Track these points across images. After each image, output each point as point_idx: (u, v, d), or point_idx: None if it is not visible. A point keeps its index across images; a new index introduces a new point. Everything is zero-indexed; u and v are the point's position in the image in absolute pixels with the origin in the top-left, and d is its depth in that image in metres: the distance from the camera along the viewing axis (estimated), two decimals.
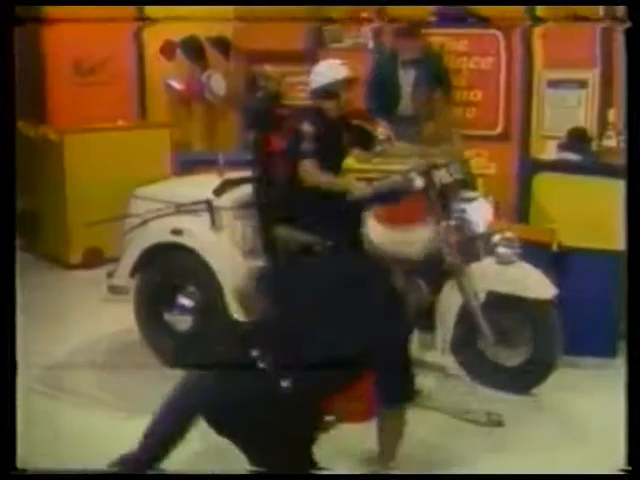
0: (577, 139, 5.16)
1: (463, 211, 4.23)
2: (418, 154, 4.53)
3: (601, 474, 3.03)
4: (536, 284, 4.08)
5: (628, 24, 3.05)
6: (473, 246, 4.26)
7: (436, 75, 5.70)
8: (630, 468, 2.71)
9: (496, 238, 4.16)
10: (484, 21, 5.86)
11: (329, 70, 4.45)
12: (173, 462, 3.07)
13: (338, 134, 4.54)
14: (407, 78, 5.53)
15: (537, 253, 4.29)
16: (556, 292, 4.05)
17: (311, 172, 4.31)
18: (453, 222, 4.17)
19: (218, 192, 4.51)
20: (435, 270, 4.20)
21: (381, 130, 5.01)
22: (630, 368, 2.89)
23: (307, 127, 4.34)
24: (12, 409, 2.79)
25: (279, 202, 4.49)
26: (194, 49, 6.70)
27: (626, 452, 2.76)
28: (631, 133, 3.12)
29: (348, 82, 4.43)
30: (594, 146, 5.12)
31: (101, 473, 3.17)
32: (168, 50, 6.84)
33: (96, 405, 4.12)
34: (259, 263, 4.46)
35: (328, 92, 4.40)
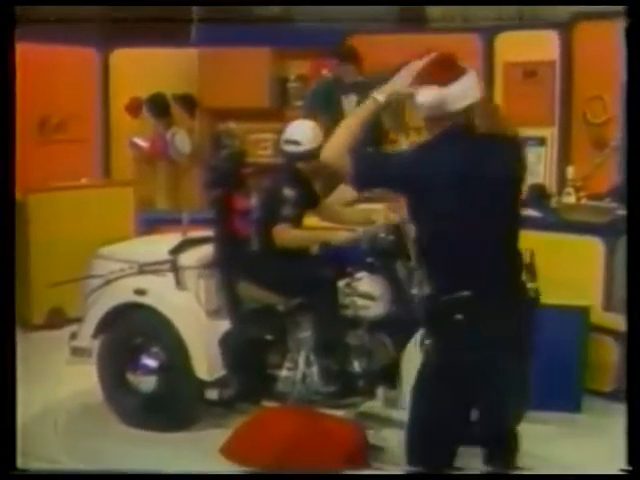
0: (537, 195, 5.30)
1: None
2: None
3: (601, 474, 3.08)
4: None
5: (628, 23, 3.12)
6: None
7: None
8: (630, 468, 2.75)
9: None
10: None
11: (306, 137, 4.52)
12: None
13: (308, 191, 4.66)
14: (349, 103, 5.55)
15: None
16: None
17: (289, 237, 4.40)
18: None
19: (175, 251, 4.56)
20: (401, 324, 4.30)
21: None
22: (630, 367, 2.97)
23: (288, 192, 4.41)
24: (12, 409, 2.88)
25: (243, 261, 4.56)
26: (160, 106, 6.74)
27: (626, 452, 2.79)
28: (631, 133, 3.18)
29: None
30: (553, 203, 5.25)
31: (101, 473, 3.37)
32: (134, 107, 6.91)
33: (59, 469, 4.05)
34: (224, 323, 4.52)
35: (305, 157, 4.51)
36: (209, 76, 6.82)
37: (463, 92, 2.89)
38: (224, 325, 4.50)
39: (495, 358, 2.86)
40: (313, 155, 4.48)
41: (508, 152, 2.98)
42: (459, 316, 2.83)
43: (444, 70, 2.92)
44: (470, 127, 2.91)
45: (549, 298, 4.39)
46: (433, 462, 2.95)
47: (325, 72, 6.61)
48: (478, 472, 3.01)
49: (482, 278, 2.85)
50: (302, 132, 4.54)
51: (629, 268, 3.17)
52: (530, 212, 5.26)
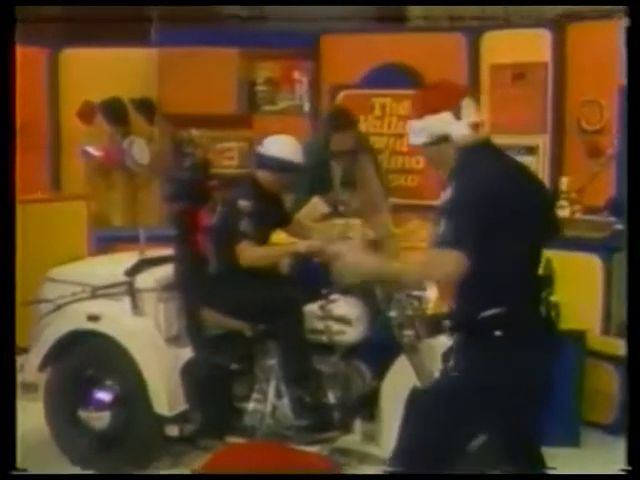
0: None
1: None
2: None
3: (601, 474, 3.24)
4: None
5: (628, 23, 3.23)
6: (425, 320, 4.30)
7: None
8: (630, 468, 2.85)
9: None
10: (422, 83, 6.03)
11: (288, 147, 4.58)
12: None
13: (274, 207, 4.64)
14: (337, 171, 5.64)
15: None
16: None
17: (251, 255, 4.40)
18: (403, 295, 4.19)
19: (132, 272, 4.53)
20: (379, 350, 4.28)
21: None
22: (631, 365, 3.05)
23: (243, 203, 4.43)
24: (12, 409, 2.97)
25: (206, 283, 4.54)
26: (115, 112, 6.71)
27: (626, 452, 2.88)
28: (631, 140, 3.26)
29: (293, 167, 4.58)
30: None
31: (101, 474, 3.63)
32: (86, 113, 6.85)
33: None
34: (185, 351, 4.48)
35: (275, 166, 4.52)
36: (170, 79, 6.76)
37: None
38: (186, 353, 4.47)
39: (529, 379, 2.98)
40: (292, 169, 4.52)
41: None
42: (498, 332, 2.93)
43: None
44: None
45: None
46: None
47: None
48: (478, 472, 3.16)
49: (512, 295, 2.97)
50: (287, 141, 4.62)
51: (629, 287, 3.19)
52: None
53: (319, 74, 6.50)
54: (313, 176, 5.20)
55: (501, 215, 2.92)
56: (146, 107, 6.84)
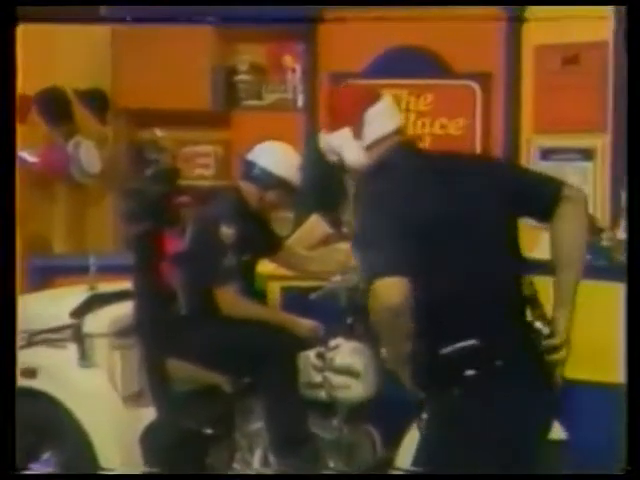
0: None
1: None
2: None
3: (601, 474, 3.59)
4: None
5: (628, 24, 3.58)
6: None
7: None
8: (630, 468, 3.17)
9: None
10: (450, 70, 6.15)
11: (284, 159, 4.74)
12: None
13: (262, 230, 4.79)
14: (349, 183, 5.66)
15: None
16: (564, 435, 4.25)
17: (235, 307, 4.53)
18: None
19: (79, 313, 4.65)
20: (392, 410, 4.37)
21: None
22: (630, 365, 3.29)
23: (225, 230, 4.54)
24: (11, 409, 3.31)
25: (174, 326, 4.67)
26: (55, 106, 6.73)
27: (626, 452, 3.20)
28: (631, 134, 3.49)
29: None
30: (605, 240, 5.35)
31: (101, 474, 4.00)
32: (20, 107, 6.95)
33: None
34: (147, 412, 4.59)
35: (265, 182, 4.66)
36: (127, 65, 6.83)
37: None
38: (148, 415, 4.58)
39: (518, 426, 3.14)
40: (286, 188, 4.65)
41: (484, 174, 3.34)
42: (470, 372, 3.08)
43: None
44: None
45: (590, 373, 4.62)
46: None
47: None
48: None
49: (479, 323, 3.15)
50: (285, 150, 4.79)
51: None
52: None
53: (316, 59, 6.47)
54: (317, 190, 5.29)
55: (436, 230, 3.11)
56: (96, 100, 6.86)
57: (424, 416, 3.29)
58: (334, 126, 3.34)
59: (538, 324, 3.24)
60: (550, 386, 3.25)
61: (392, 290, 2.99)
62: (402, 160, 3.28)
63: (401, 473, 3.43)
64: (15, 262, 3.60)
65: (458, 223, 3.15)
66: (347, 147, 3.31)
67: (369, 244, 3.09)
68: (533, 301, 3.30)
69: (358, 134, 3.29)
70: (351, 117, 3.30)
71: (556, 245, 3.30)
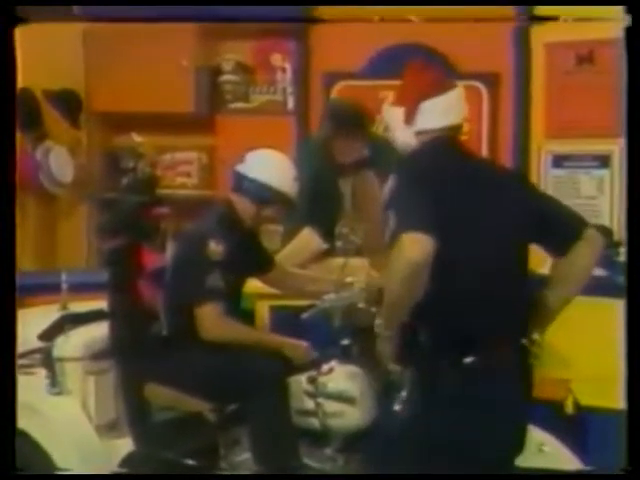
0: None
1: None
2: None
3: (601, 474, 3.85)
4: (552, 453, 4.26)
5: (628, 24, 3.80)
6: None
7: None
8: (630, 468, 3.39)
9: None
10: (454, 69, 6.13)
11: (279, 170, 4.73)
12: None
13: (252, 247, 4.81)
14: (347, 187, 5.60)
15: (545, 414, 4.50)
16: (579, 465, 4.25)
17: (219, 329, 4.52)
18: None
19: (48, 335, 4.67)
20: (392, 440, 4.37)
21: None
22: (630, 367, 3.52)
23: (213, 246, 4.53)
24: (12, 409, 3.44)
25: (154, 349, 4.65)
26: (23, 109, 6.74)
27: (626, 451, 3.42)
28: (631, 135, 3.74)
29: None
30: (623, 254, 5.36)
31: (101, 474, 4.14)
32: None
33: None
34: (124, 442, 4.60)
35: (258, 195, 4.68)
36: (102, 65, 6.87)
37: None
38: (125, 446, 4.58)
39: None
40: (282, 202, 4.68)
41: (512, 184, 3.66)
42: (468, 359, 3.41)
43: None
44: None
45: (604, 399, 4.65)
46: None
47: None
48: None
49: (486, 339, 3.45)
50: (272, 170, 4.74)
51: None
52: None
53: (308, 59, 6.54)
54: (309, 200, 5.20)
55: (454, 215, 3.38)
56: (68, 102, 6.89)
57: (403, 393, 3.48)
58: (398, 102, 3.60)
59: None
60: (529, 397, 3.58)
61: (417, 245, 3.22)
62: (443, 154, 3.54)
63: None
64: None
65: (476, 225, 3.42)
66: (397, 126, 3.59)
67: (398, 206, 3.35)
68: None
69: (411, 118, 3.54)
70: (415, 97, 3.53)
71: (561, 275, 3.62)
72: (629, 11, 3.84)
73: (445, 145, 3.56)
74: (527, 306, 3.58)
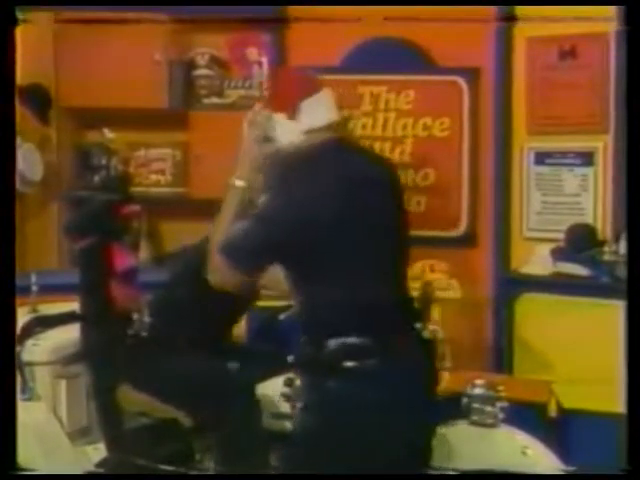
0: (581, 243, 5.41)
1: None
2: None
3: (600, 474, 3.93)
4: (535, 456, 4.27)
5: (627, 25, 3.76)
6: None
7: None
8: (630, 468, 3.42)
9: (475, 391, 4.32)
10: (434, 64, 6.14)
11: None
12: None
13: None
14: None
15: (527, 416, 4.51)
16: (560, 467, 4.26)
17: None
18: None
19: (17, 339, 4.58)
20: None
21: None
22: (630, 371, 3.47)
23: None
24: (12, 409, 3.46)
25: (127, 352, 4.66)
26: None
27: (626, 451, 3.44)
28: (631, 135, 3.67)
29: None
30: (607, 253, 5.36)
31: (102, 474, 4.26)
32: None
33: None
34: (96, 449, 4.58)
35: None
36: (71, 58, 6.86)
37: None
38: (97, 453, 4.60)
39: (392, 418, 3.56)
40: None
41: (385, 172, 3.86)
42: (350, 364, 3.51)
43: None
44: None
45: (590, 401, 4.65)
46: None
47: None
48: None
49: (372, 322, 3.56)
50: None
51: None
52: (569, 267, 5.38)
53: (285, 53, 6.51)
54: None
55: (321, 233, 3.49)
56: (37, 98, 6.88)
57: (299, 404, 3.74)
58: (277, 109, 3.74)
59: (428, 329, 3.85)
60: (433, 394, 3.70)
61: (216, 269, 3.53)
62: (327, 155, 3.64)
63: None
64: None
65: (356, 226, 3.53)
66: (281, 128, 3.72)
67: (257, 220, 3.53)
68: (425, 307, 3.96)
69: (295, 118, 3.67)
70: (288, 103, 3.69)
71: None
72: (628, 12, 3.77)
73: (329, 145, 3.67)
74: (410, 303, 3.76)
